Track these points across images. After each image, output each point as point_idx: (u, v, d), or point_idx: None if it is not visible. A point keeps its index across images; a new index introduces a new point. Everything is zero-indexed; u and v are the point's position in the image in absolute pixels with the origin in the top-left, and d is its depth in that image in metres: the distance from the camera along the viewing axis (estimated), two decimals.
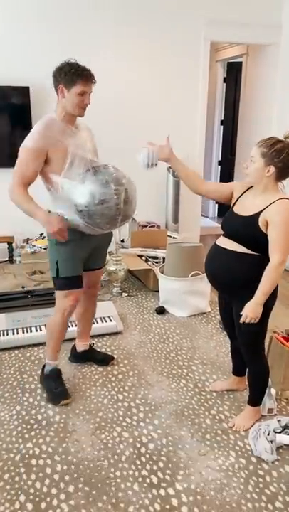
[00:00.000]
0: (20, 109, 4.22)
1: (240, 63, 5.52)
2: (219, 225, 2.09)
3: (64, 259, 2.17)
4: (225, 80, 6.12)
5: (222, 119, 6.29)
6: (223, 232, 2.02)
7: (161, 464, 1.90)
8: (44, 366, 2.40)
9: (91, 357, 2.65)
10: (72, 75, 2.03)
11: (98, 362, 2.64)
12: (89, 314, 2.59)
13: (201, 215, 5.44)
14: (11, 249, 4.27)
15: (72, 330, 2.70)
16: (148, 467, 1.88)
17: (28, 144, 2.03)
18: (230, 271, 1.94)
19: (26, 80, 4.22)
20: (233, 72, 5.99)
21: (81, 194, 1.97)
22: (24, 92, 4.18)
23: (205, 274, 3.32)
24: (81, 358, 2.66)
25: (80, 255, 2.22)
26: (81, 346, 2.65)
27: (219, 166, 6.48)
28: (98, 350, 2.75)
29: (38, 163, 2.05)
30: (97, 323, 2.96)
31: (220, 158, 6.45)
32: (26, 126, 4.25)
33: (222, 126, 6.31)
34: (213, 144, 6.36)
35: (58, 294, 2.24)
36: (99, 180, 1.98)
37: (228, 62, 5.98)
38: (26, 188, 2.06)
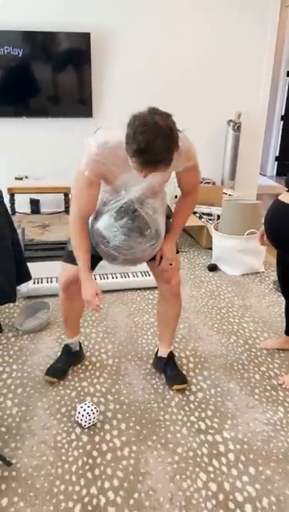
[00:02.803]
0: (81, 55, 4.16)
1: None
2: (277, 184, 2.01)
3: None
4: None
5: None
6: (286, 189, 1.95)
7: (209, 412, 1.95)
8: None
9: (163, 369, 2.17)
10: (130, 148, 1.42)
11: (167, 378, 2.14)
12: (167, 317, 2.12)
13: (259, 173, 5.25)
14: (67, 200, 4.35)
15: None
16: (196, 414, 1.94)
17: (81, 167, 1.64)
18: None
19: (87, 26, 4.13)
20: None
21: (101, 219, 1.73)
22: (85, 38, 4.10)
23: (258, 232, 3.27)
24: (156, 364, 2.23)
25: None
26: (159, 351, 2.22)
27: (282, 122, 6.15)
28: (176, 364, 2.18)
29: (93, 191, 1.70)
30: (149, 275, 3.01)
31: (283, 113, 6.11)
32: (86, 74, 4.22)
33: (288, 78, 5.93)
34: (277, 97, 6.02)
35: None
36: (115, 228, 1.67)
37: None
38: (83, 220, 1.75)
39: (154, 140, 1.36)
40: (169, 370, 2.14)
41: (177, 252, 1.98)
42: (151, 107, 1.43)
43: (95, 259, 1.88)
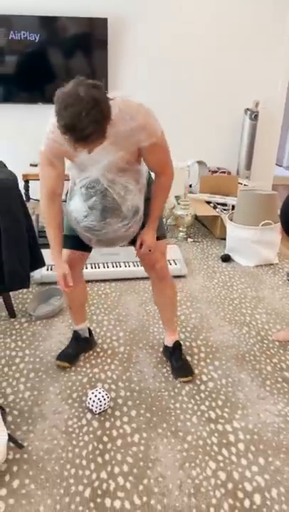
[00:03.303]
0: (97, 41, 4.12)
1: None
2: None
3: (66, 216, 1.84)
4: None
5: None
6: None
7: (219, 402, 1.95)
8: None
9: (169, 359, 2.17)
10: (59, 125, 1.37)
11: (172, 369, 2.12)
12: (161, 302, 2.11)
13: (275, 163, 5.17)
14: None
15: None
16: (207, 403, 1.95)
17: (41, 148, 1.66)
18: None
19: (104, 11, 4.09)
20: None
21: (73, 199, 1.71)
22: (102, 23, 4.05)
23: (278, 223, 3.23)
24: (164, 352, 2.22)
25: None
26: (165, 339, 2.22)
27: None
28: (182, 355, 2.15)
29: (57, 170, 1.70)
30: None
31: None
32: (102, 60, 4.18)
33: None
34: None
35: None
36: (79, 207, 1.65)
37: None
38: (50, 198, 1.75)
39: (78, 115, 1.30)
40: (175, 360, 2.13)
41: (164, 237, 1.96)
42: (78, 78, 1.38)
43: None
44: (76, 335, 2.22)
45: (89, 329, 2.26)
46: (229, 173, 4.65)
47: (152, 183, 1.82)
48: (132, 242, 1.88)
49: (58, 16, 4.00)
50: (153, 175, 1.81)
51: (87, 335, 2.24)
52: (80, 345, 2.22)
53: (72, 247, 1.91)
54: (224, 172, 4.60)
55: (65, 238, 1.87)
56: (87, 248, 1.92)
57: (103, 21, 4.05)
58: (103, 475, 1.59)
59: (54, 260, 1.83)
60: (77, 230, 1.73)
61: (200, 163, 4.40)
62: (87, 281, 2.91)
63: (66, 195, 1.84)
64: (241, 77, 4.53)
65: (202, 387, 2.04)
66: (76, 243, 1.87)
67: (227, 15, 4.30)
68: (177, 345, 2.17)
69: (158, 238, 1.90)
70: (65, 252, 1.91)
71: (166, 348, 2.20)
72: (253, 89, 4.61)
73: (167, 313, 2.14)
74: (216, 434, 1.78)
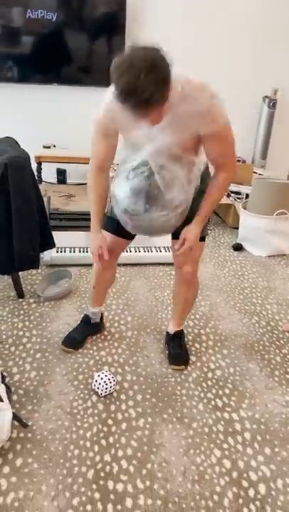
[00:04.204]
0: (115, 23, 4.03)
1: None
2: None
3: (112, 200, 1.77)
4: None
5: None
6: None
7: (227, 391, 1.93)
8: None
9: (167, 345, 2.15)
10: (116, 95, 1.29)
11: (168, 355, 2.10)
12: (178, 300, 2.06)
13: None
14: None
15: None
16: (214, 391, 1.92)
17: (95, 116, 1.60)
18: None
19: None
20: None
21: (117, 186, 1.61)
22: (120, 4, 3.97)
23: None
24: (165, 338, 2.20)
25: None
26: (168, 326, 2.20)
27: None
28: (181, 343, 2.12)
29: (109, 141, 1.63)
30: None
31: None
32: (120, 42, 4.10)
33: None
34: None
35: None
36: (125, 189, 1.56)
37: None
38: (97, 170, 1.69)
39: (136, 77, 1.20)
40: (172, 347, 2.10)
41: (203, 239, 1.82)
42: (133, 44, 1.28)
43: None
44: (86, 319, 2.19)
45: (101, 314, 2.23)
46: (244, 161, 4.57)
47: (208, 176, 1.71)
48: (174, 235, 1.80)
49: None
50: (212, 170, 1.68)
51: (98, 320, 2.21)
52: (88, 330, 2.19)
53: (115, 231, 1.84)
54: (239, 160, 4.52)
55: (108, 220, 1.83)
56: (128, 235, 1.84)
57: (122, 2, 3.96)
58: (107, 457, 1.58)
59: (91, 232, 1.79)
60: (115, 211, 1.66)
61: None
62: None
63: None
64: (260, 64, 4.42)
65: (209, 374, 2.02)
66: (120, 229, 1.77)
67: (247, 1, 4.18)
68: (178, 334, 2.14)
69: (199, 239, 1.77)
70: (107, 235, 1.85)
71: (167, 334, 2.18)
72: (272, 77, 4.50)
73: (180, 309, 2.09)
74: (222, 422, 1.76)
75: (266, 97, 4.40)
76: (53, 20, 3.96)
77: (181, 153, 1.55)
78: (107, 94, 1.53)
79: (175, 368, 2.03)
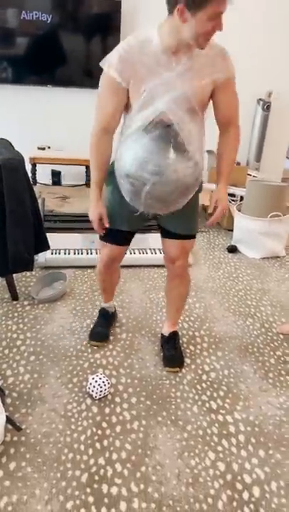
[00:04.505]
0: (110, 24, 4.04)
1: None
2: None
3: (106, 206, 1.77)
4: None
5: None
6: None
7: (221, 393, 1.93)
8: None
9: (162, 346, 2.14)
10: None
11: (163, 357, 2.09)
12: (171, 296, 2.07)
13: (286, 156, 5.10)
14: (88, 173, 4.30)
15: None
16: (208, 393, 1.92)
17: (105, 65, 1.52)
18: None
19: None
20: None
21: (121, 153, 1.50)
22: (115, 6, 3.97)
23: (287, 216, 3.18)
24: (160, 340, 2.19)
25: (129, 207, 1.60)
26: (163, 328, 2.20)
27: None
28: (176, 345, 2.11)
29: (119, 98, 1.54)
30: None
31: None
32: (115, 44, 4.11)
33: None
34: None
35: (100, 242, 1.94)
36: (147, 148, 1.41)
37: None
38: (102, 133, 1.61)
39: None
40: (167, 350, 2.10)
41: (194, 236, 1.87)
42: None
43: (134, 221, 1.76)
44: (104, 312, 2.28)
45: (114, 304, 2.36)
46: (239, 163, 4.58)
47: None
48: (165, 233, 1.84)
49: None
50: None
51: (114, 310, 2.33)
52: (109, 321, 2.28)
53: (115, 241, 1.87)
54: None
55: (107, 232, 1.81)
56: (127, 241, 1.90)
57: (117, 4, 3.97)
58: (101, 461, 1.58)
59: (91, 202, 1.73)
60: (124, 188, 1.52)
61: (210, 152, 4.32)
62: (91, 267, 2.88)
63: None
64: (254, 66, 4.44)
65: (204, 377, 2.02)
66: (118, 238, 1.85)
67: (242, 2, 4.19)
68: (173, 335, 2.14)
69: (191, 237, 1.85)
70: (108, 247, 1.89)
71: (162, 336, 2.19)
72: (267, 79, 4.52)
73: (174, 307, 2.12)
74: (216, 425, 1.76)
75: (260, 99, 4.42)
76: (48, 21, 3.96)
77: (197, 108, 1.52)
78: (118, 48, 1.51)
79: (170, 370, 2.03)
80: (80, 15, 4.00)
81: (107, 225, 1.76)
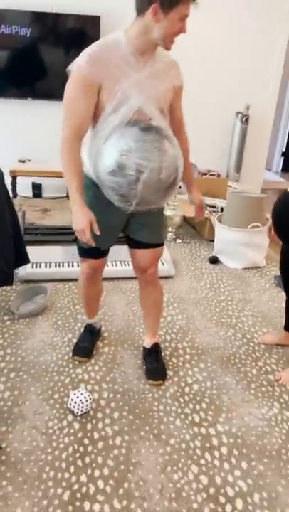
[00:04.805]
0: (90, 39, 4.07)
1: None
2: (283, 180, 1.98)
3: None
4: None
5: None
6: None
7: (204, 405, 1.93)
8: None
9: (145, 359, 2.13)
10: None
11: (146, 370, 2.08)
12: (147, 305, 2.08)
13: (265, 168, 5.19)
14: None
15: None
16: (191, 406, 1.92)
17: (74, 68, 1.51)
18: None
19: (97, 9, 4.05)
20: None
21: (107, 151, 1.51)
22: (95, 21, 4.01)
23: (265, 227, 3.22)
24: (142, 353, 2.18)
25: (103, 224, 1.65)
26: (144, 341, 2.19)
27: None
28: (158, 357, 2.11)
29: (90, 100, 1.52)
30: None
31: None
32: None
33: None
34: (286, 91, 5.93)
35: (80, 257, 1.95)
36: (128, 143, 1.46)
37: None
38: (74, 136, 1.56)
39: None
40: (149, 362, 2.09)
41: (161, 244, 1.91)
42: None
43: (110, 237, 1.82)
44: (90, 327, 2.25)
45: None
46: (219, 175, 4.64)
47: None
48: (132, 243, 1.88)
49: (50, 12, 3.95)
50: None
51: (100, 326, 2.31)
52: (95, 338, 2.25)
53: (94, 256, 1.89)
54: (214, 174, 4.59)
55: (83, 252, 1.87)
56: (105, 253, 1.91)
57: (96, 19, 4.01)
58: (83, 478, 1.55)
59: (77, 209, 1.59)
60: (113, 186, 1.50)
61: None
62: (73, 280, 2.86)
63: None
64: (233, 80, 4.53)
65: (186, 389, 2.02)
66: (96, 253, 1.86)
67: (220, 19, 4.29)
68: (155, 347, 2.14)
69: (161, 245, 1.91)
70: (88, 262, 1.91)
71: (144, 349, 2.18)
72: (245, 93, 4.61)
73: (152, 317, 2.12)
74: (199, 438, 1.76)
75: (239, 112, 4.50)
76: (27, 35, 3.97)
77: (165, 110, 1.65)
78: (87, 49, 1.52)
79: (152, 383, 2.02)
80: (59, 29, 4.03)
81: (98, 233, 1.61)
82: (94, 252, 1.85)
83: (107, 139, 1.51)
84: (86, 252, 1.86)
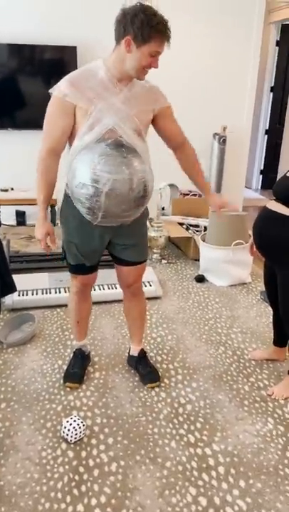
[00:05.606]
0: (68, 69, 4.15)
1: None
2: (262, 197, 2.05)
3: (67, 243, 1.90)
4: (278, 43, 5.81)
5: (272, 85, 6.01)
6: (273, 198, 1.96)
7: (198, 425, 1.92)
8: None
9: (136, 367, 2.22)
10: (150, 30, 1.54)
11: (140, 376, 2.18)
12: (132, 315, 2.18)
13: (245, 186, 5.30)
14: (53, 212, 4.32)
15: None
16: (185, 427, 1.90)
17: (55, 91, 1.66)
18: (280, 234, 1.89)
19: (74, 40, 4.15)
20: (288, 35, 5.67)
21: (75, 166, 1.65)
22: (71, 51, 4.12)
23: (248, 244, 3.27)
24: (129, 361, 2.28)
25: (89, 242, 1.84)
26: (131, 349, 2.28)
27: (266, 136, 6.24)
28: (148, 362, 2.22)
29: (67, 121, 1.66)
30: None
31: (267, 127, 6.21)
32: None
33: (271, 93, 6.04)
34: (261, 111, 6.11)
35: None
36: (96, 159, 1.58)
37: (282, 24, 5.66)
38: (49, 154, 1.70)
39: (158, 14, 1.59)
40: (142, 368, 2.19)
41: (144, 261, 2.01)
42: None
43: (94, 255, 1.92)
44: (80, 352, 2.23)
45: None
46: (200, 195, 4.71)
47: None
48: (120, 260, 1.97)
49: (26, 44, 4.04)
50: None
51: (89, 350, 2.30)
52: (85, 363, 2.24)
53: (84, 272, 1.97)
54: (195, 195, 4.66)
55: (74, 268, 1.95)
56: (93, 268, 1.98)
57: (72, 49, 4.12)
58: (80, 508, 1.52)
59: (38, 220, 1.81)
60: (83, 198, 1.63)
61: (172, 186, 4.45)
62: (60, 306, 2.85)
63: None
64: (209, 102, 4.66)
65: (180, 410, 2.00)
66: (83, 268, 1.94)
67: (196, 45, 4.44)
68: (143, 353, 2.24)
69: (144, 261, 2.01)
70: (78, 278, 1.98)
71: (131, 357, 2.25)
72: (221, 115, 4.74)
73: (137, 325, 2.21)
74: (195, 459, 1.74)
75: (216, 134, 4.62)
76: (5, 66, 4.04)
77: (141, 131, 1.71)
78: (67, 76, 1.67)
79: (151, 385, 2.11)
80: (37, 61, 4.11)
81: (53, 245, 1.84)
82: (82, 268, 1.94)
83: (78, 155, 1.65)
84: (75, 268, 1.96)
